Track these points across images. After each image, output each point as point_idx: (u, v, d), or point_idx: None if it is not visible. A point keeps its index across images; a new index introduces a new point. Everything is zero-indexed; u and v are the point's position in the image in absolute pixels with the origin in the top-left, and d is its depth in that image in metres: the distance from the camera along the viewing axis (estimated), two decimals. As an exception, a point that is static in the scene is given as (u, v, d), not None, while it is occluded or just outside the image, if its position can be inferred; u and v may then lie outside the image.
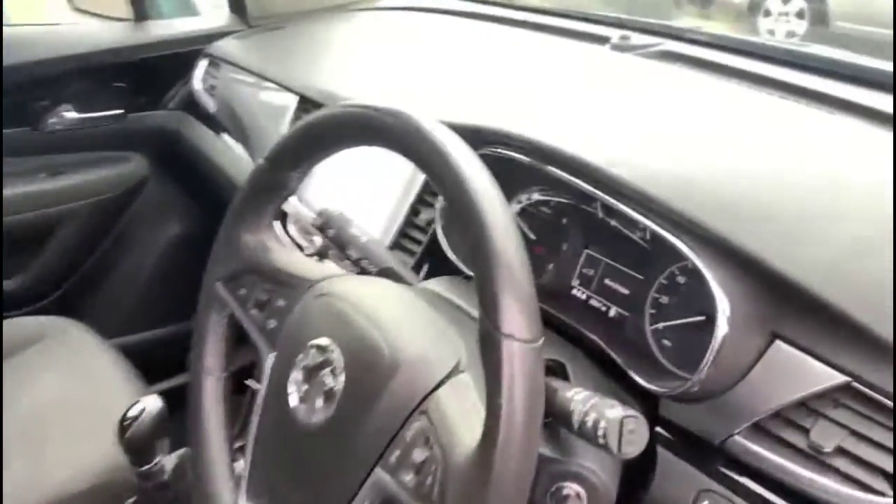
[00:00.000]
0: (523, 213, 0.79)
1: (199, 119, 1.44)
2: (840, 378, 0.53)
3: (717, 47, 1.04)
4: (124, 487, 0.90)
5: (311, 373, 0.56)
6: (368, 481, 0.51)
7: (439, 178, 0.49)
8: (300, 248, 0.95)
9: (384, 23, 1.44)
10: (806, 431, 0.54)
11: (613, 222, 0.72)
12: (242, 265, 0.65)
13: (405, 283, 0.72)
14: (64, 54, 1.39)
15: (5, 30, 1.39)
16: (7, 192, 1.35)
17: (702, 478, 0.58)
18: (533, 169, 0.73)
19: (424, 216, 0.86)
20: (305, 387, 0.56)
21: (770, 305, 0.56)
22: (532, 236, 0.78)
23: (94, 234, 1.49)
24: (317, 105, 1.05)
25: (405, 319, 0.57)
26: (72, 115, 1.42)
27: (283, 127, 1.11)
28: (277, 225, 0.99)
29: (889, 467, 0.51)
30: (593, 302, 0.73)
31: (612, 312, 0.71)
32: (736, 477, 0.57)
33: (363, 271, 0.74)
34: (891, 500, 0.50)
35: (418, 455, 0.48)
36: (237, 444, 0.72)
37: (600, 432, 0.47)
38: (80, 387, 1.08)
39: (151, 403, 0.84)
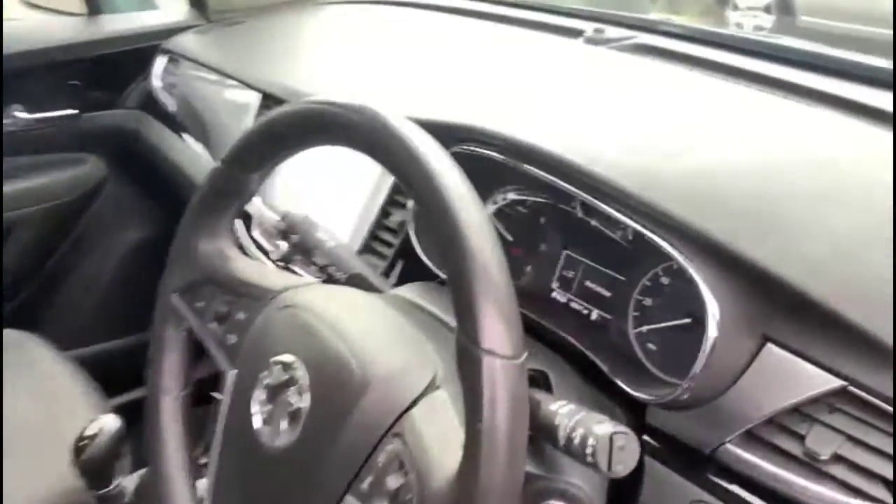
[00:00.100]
0: (499, 214, 0.76)
1: (158, 118, 1.39)
2: (836, 382, 0.50)
3: (692, 40, 1.02)
4: (83, 512, 0.85)
5: (275, 392, 0.52)
6: None
7: (408, 179, 0.45)
8: (265, 253, 0.91)
9: (351, 17, 1.40)
10: (801, 438, 0.52)
11: (593, 222, 0.69)
12: (200, 275, 0.61)
13: (376, 291, 0.68)
14: (14, 51, 1.31)
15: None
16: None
17: (692, 488, 0.56)
18: (508, 167, 0.70)
19: (396, 218, 0.82)
20: (269, 407, 0.52)
21: (760, 306, 0.54)
22: (509, 238, 0.75)
23: (49, 240, 1.43)
24: (280, 102, 1.00)
25: (376, 331, 0.53)
26: (23, 115, 1.35)
27: (245, 125, 1.07)
28: (241, 229, 0.96)
29: (889, 474, 0.48)
30: (574, 305, 0.70)
31: (594, 316, 0.68)
32: (728, 486, 0.54)
33: (330, 279, 0.70)
34: (891, 509, 0.48)
35: (392, 482, 0.44)
36: (202, 460, 0.68)
37: (588, 450, 0.44)
38: (35, 404, 1.03)
39: (109, 422, 0.80)
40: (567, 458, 0.49)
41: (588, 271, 0.70)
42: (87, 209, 1.44)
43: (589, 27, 1.07)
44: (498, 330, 0.39)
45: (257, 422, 0.53)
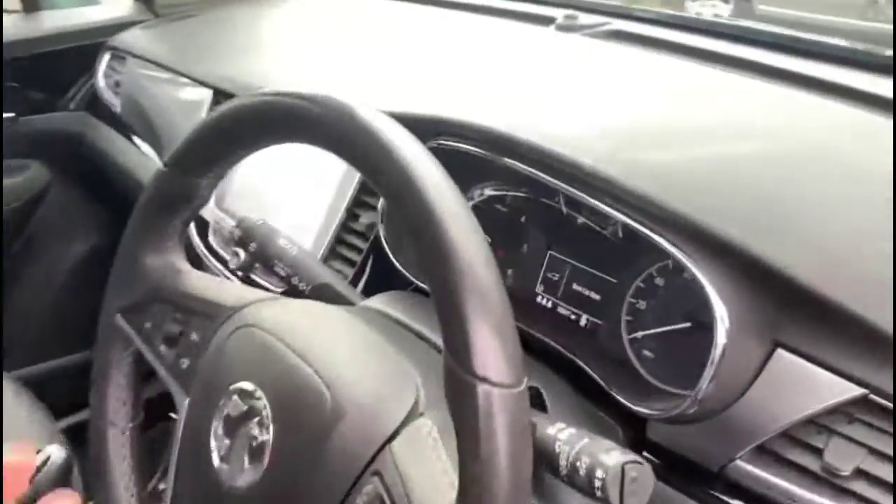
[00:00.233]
0: (475, 213, 0.70)
1: (103, 120, 1.30)
2: (855, 390, 0.46)
3: (668, 25, 0.98)
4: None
5: (235, 424, 0.46)
6: None
7: (379, 175, 0.39)
8: (223, 263, 0.84)
9: (311, 8, 1.33)
10: (818, 452, 0.48)
11: (580, 219, 0.64)
12: (146, 293, 0.54)
13: (345, 303, 0.61)
14: None
15: None
16: None
17: (699, 509, 0.51)
18: (485, 162, 0.64)
19: (364, 220, 0.76)
20: (227, 441, 0.46)
21: (770, 309, 0.49)
22: (487, 238, 0.69)
23: (-13, 254, 1.33)
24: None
25: (347, 352, 0.47)
26: (-46, 121, 1.25)
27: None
28: (196, 237, 0.88)
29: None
30: (561, 310, 0.65)
31: (584, 321, 0.63)
32: (738, 506, 0.50)
33: (294, 290, 0.64)
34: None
35: (373, 529, 0.38)
36: (161, 486, 0.61)
37: (597, 483, 0.39)
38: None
39: (54, 453, 0.73)
40: (568, 488, 0.44)
41: (575, 273, 0.64)
42: (29, 219, 1.35)
43: (559, 14, 1.02)
44: (495, 353, 0.33)
45: (215, 458, 0.47)
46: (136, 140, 1.21)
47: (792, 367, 0.48)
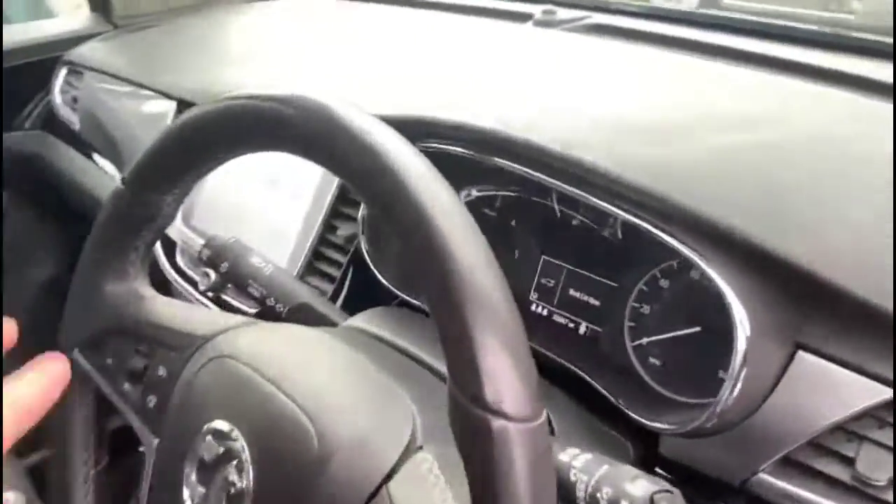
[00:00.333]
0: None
1: (61, 138, 1.23)
2: (886, 392, 0.43)
3: (648, 17, 0.95)
4: None
5: (210, 469, 0.41)
6: None
7: (362, 180, 0.34)
8: (193, 284, 0.78)
9: (276, 14, 1.28)
10: (850, 461, 0.44)
11: (576, 219, 0.60)
12: (106, 324, 0.49)
13: (326, 323, 0.57)
14: None
15: None
16: None
17: (719, 528, 0.47)
18: (471, 162, 0.60)
19: (343, 232, 0.71)
20: (202, 489, 0.41)
21: (790, 309, 0.45)
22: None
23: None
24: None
25: (333, 380, 0.42)
26: None
27: (161, 139, 0.93)
28: (162, 257, 0.83)
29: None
30: (558, 318, 0.61)
31: (583, 329, 0.59)
32: (765, 523, 0.46)
33: (270, 311, 0.59)
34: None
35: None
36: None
37: (622, 516, 0.35)
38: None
39: (13, 500, 0.68)
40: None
41: (571, 278, 0.61)
42: (-17, 247, 1.28)
43: (536, 10, 0.99)
44: (509, 380, 0.28)
45: (189, 507, 0.42)
46: (97, 158, 1.15)
47: (815, 370, 0.45)
